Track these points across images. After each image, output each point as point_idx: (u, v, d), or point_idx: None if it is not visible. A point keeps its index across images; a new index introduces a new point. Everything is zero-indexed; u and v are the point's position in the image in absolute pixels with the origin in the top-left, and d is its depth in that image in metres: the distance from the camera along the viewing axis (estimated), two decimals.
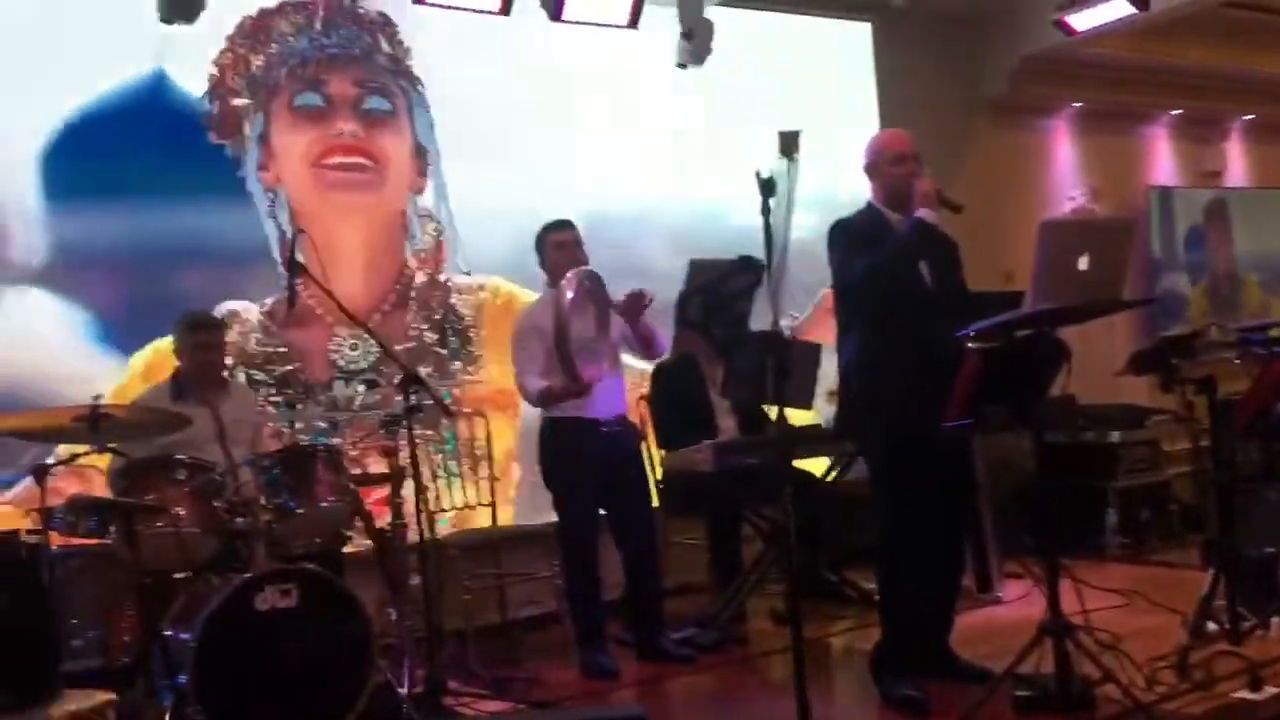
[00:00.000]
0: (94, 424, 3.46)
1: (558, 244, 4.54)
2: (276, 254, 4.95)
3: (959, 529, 4.16)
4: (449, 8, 5.11)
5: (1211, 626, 4.05)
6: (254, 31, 5.08)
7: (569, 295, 4.21)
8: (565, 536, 4.53)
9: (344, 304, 4.10)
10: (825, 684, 4.21)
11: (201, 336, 4.23)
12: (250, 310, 4.95)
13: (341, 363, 5.15)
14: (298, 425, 4.98)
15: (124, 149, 4.67)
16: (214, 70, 4.99)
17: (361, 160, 5.26)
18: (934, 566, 3.90)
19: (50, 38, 4.59)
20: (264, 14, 5.11)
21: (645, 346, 4.60)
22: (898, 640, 3.86)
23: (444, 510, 4.97)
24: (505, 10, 5.13)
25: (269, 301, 4.97)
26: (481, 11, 5.17)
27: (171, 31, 4.72)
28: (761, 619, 5.14)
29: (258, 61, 5.07)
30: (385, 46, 5.36)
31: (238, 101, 5.02)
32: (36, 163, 4.59)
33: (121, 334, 4.68)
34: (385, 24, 5.37)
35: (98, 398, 3.52)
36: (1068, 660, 3.48)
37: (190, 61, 4.90)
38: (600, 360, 4.45)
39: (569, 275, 4.29)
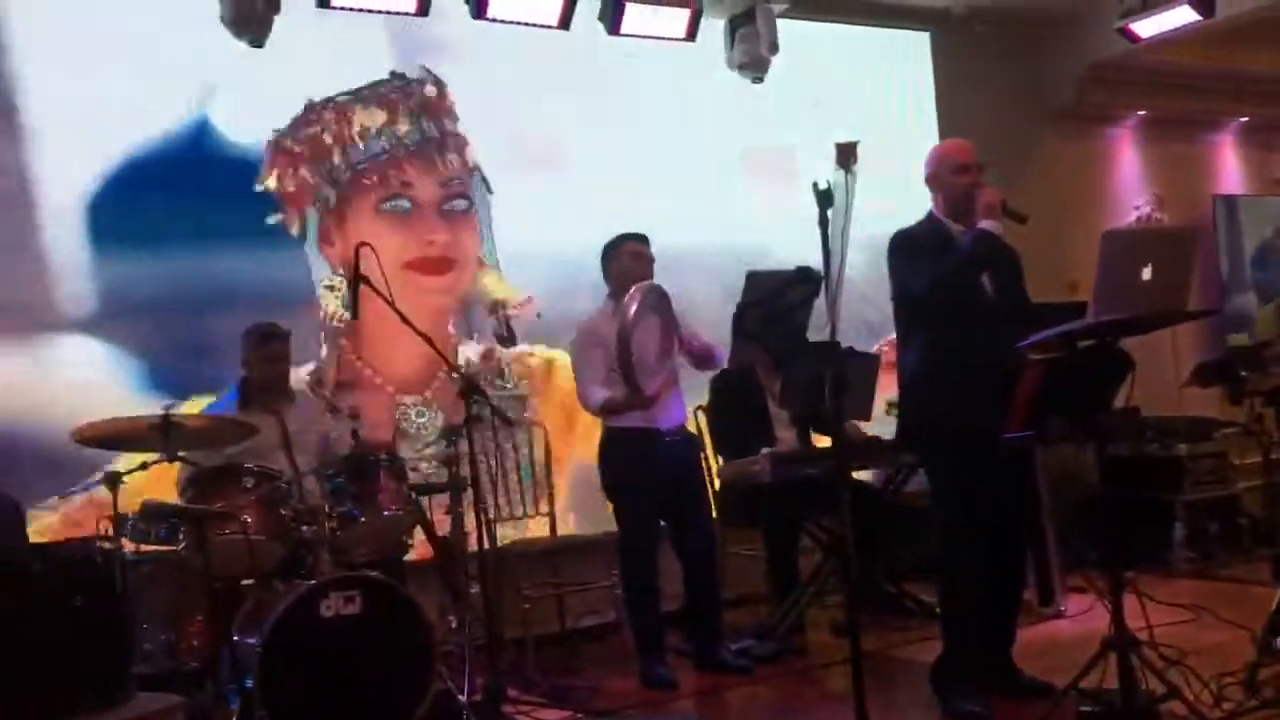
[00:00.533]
0: (165, 432, 3.55)
1: (634, 254, 4.58)
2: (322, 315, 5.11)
3: (1020, 542, 4.12)
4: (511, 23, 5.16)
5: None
6: (336, 121, 5.20)
7: (633, 308, 4.24)
8: (626, 546, 4.56)
9: (405, 371, 4.16)
10: (885, 697, 4.17)
11: (271, 347, 4.32)
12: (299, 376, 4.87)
13: (410, 429, 5.22)
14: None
15: (167, 196, 4.77)
16: (286, 144, 5.11)
17: (446, 258, 5.40)
18: (996, 580, 3.87)
19: (96, 88, 4.70)
20: (342, 105, 5.23)
21: (702, 361, 4.63)
22: (960, 654, 3.83)
23: (503, 519, 5.02)
24: (565, 24, 5.18)
25: (310, 368, 5.04)
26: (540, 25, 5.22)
27: (213, 80, 4.87)
28: (820, 630, 5.12)
29: (336, 151, 5.20)
30: (452, 146, 5.46)
31: (305, 176, 5.13)
32: (83, 211, 4.69)
33: (165, 380, 4.73)
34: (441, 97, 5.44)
35: (169, 407, 3.61)
36: (1132, 676, 3.43)
37: (231, 109, 4.97)
38: (662, 374, 4.48)
39: (635, 289, 4.32)
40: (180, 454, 3.70)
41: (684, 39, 5.44)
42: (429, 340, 4.13)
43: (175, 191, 4.79)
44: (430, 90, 5.39)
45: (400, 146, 5.33)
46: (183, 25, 4.84)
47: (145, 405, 4.32)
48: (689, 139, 5.92)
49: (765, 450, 4.81)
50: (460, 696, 3.83)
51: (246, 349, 4.34)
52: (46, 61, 4.65)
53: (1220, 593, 5.15)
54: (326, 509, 3.88)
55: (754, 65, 5.72)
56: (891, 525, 5.24)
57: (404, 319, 4.05)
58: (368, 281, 4.03)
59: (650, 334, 4.43)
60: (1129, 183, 7.71)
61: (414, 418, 5.24)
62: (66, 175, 4.67)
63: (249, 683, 3.43)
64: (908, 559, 5.35)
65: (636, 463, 4.48)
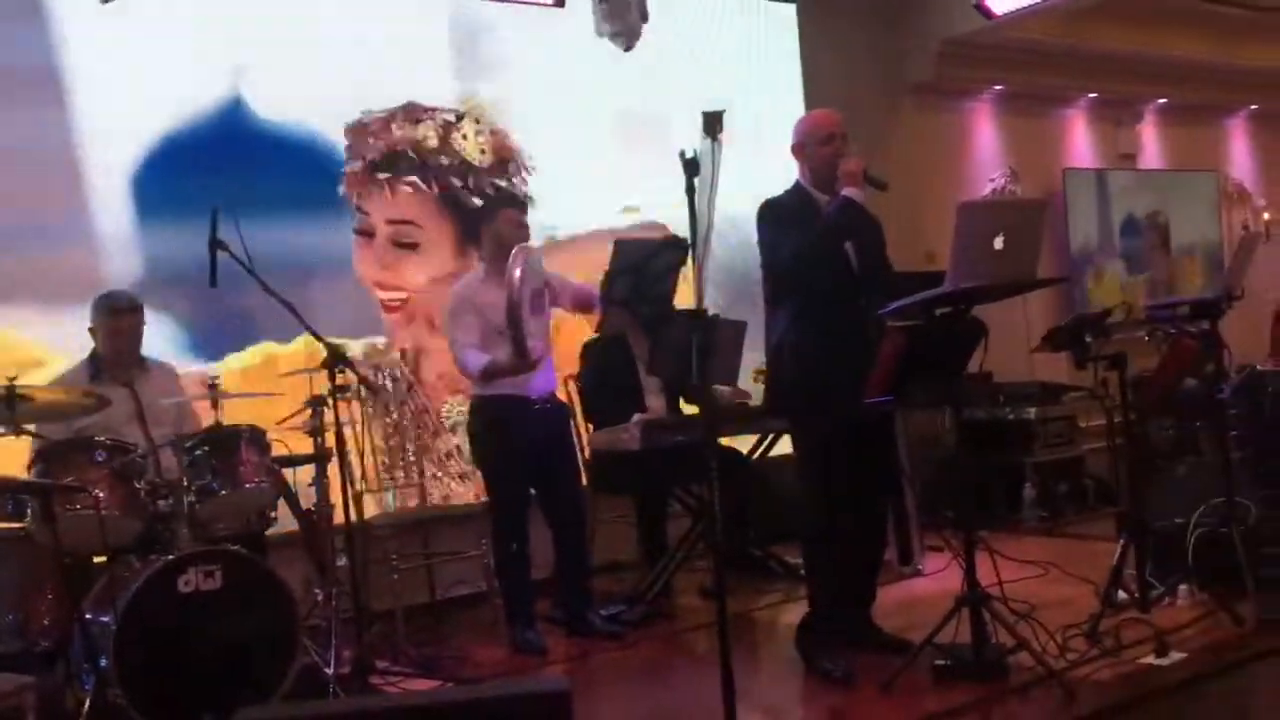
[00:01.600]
0: (10, 405, 3.39)
1: (513, 222, 4.59)
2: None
3: (882, 504, 4.24)
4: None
5: (1122, 596, 4.18)
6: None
7: (518, 271, 4.18)
8: (497, 514, 4.54)
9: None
10: (751, 657, 4.28)
11: (119, 320, 4.16)
12: None
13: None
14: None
15: (206, 169, 4.91)
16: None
17: None
18: (857, 540, 3.98)
19: (136, 71, 4.87)
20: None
21: (584, 304, 4.66)
22: (823, 615, 3.93)
23: (370, 490, 4.95)
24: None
25: None
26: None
27: (242, 63, 5.10)
28: (689, 595, 5.20)
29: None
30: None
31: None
32: (129, 184, 4.87)
33: (211, 346, 4.96)
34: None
35: (13, 379, 3.45)
36: (984, 630, 3.58)
37: (261, 88, 5.16)
38: (539, 338, 4.46)
39: (517, 250, 4.27)
40: (26, 427, 3.54)
41: (553, 4, 5.39)
42: (292, 309, 4.02)
43: (211, 166, 4.95)
44: None
45: None
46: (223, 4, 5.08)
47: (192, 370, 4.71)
48: (560, 105, 5.90)
49: (636, 417, 4.84)
50: (327, 670, 3.78)
51: (94, 320, 4.17)
52: (92, 33, 4.78)
53: (1067, 549, 5.40)
54: (185, 482, 3.77)
55: (625, 34, 5.69)
56: (758, 490, 5.34)
57: (266, 288, 3.94)
58: (225, 247, 3.91)
59: (530, 298, 4.41)
60: (985, 155, 7.96)
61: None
62: (113, 152, 4.83)
63: (103, 662, 3.32)
64: (774, 523, 5.46)
65: (503, 431, 4.46)
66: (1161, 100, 8.85)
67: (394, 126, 5.44)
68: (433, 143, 5.52)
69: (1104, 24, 7.68)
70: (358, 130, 5.37)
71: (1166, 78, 8.53)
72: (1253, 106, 9.52)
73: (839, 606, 3.96)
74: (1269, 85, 9.15)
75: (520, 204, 4.65)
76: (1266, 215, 9.50)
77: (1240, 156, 9.69)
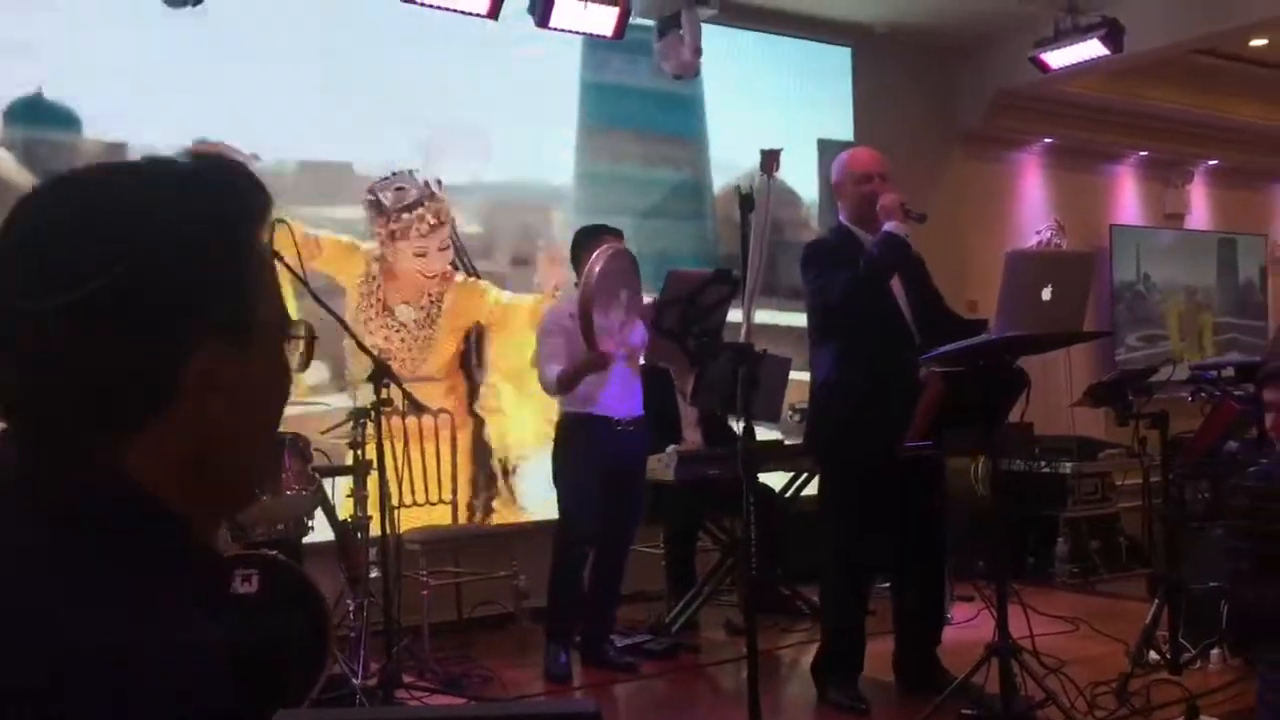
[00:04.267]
0: None
1: (614, 245, 4.43)
2: None
3: (938, 549, 4.19)
4: (438, 7, 5.13)
5: (1153, 656, 4.15)
6: None
7: (598, 267, 4.17)
8: (563, 531, 4.53)
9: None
10: (774, 694, 4.27)
11: None
12: None
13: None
14: None
15: None
16: None
17: None
18: (918, 584, 3.99)
19: None
20: None
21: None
22: (834, 650, 3.95)
23: (406, 505, 4.99)
24: (494, 14, 5.17)
25: None
26: (470, 14, 5.21)
27: None
28: (714, 629, 5.20)
29: None
30: None
31: None
32: None
33: None
34: None
35: None
36: (1012, 681, 3.56)
37: None
38: (622, 339, 4.41)
39: (602, 248, 4.24)
40: None
41: (611, 36, 5.46)
42: (342, 321, 4.09)
43: None
44: None
45: None
46: None
47: None
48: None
49: (671, 448, 4.86)
50: (355, 680, 3.81)
51: None
52: None
53: (1098, 607, 5.35)
54: None
55: (679, 68, 5.77)
56: (789, 528, 5.34)
57: (316, 298, 4.01)
58: (280, 258, 3.98)
59: (613, 300, 4.35)
60: (1032, 207, 7.96)
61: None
62: None
63: None
64: (803, 562, 5.45)
65: (584, 450, 4.44)
66: (1212, 161, 8.82)
67: None
68: None
69: (1156, 83, 7.68)
70: None
71: (1217, 139, 8.51)
72: None
73: (856, 643, 3.97)
74: None
75: (617, 232, 4.64)
76: None
77: None
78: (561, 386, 4.41)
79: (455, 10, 5.19)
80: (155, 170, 0.83)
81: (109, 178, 0.81)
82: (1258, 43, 7.33)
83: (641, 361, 4.81)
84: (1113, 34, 5.84)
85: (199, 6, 4.62)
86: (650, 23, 5.69)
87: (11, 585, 0.74)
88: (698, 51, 5.72)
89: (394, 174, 5.43)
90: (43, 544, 0.75)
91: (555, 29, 5.36)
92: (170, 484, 0.79)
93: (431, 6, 5.14)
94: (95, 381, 0.76)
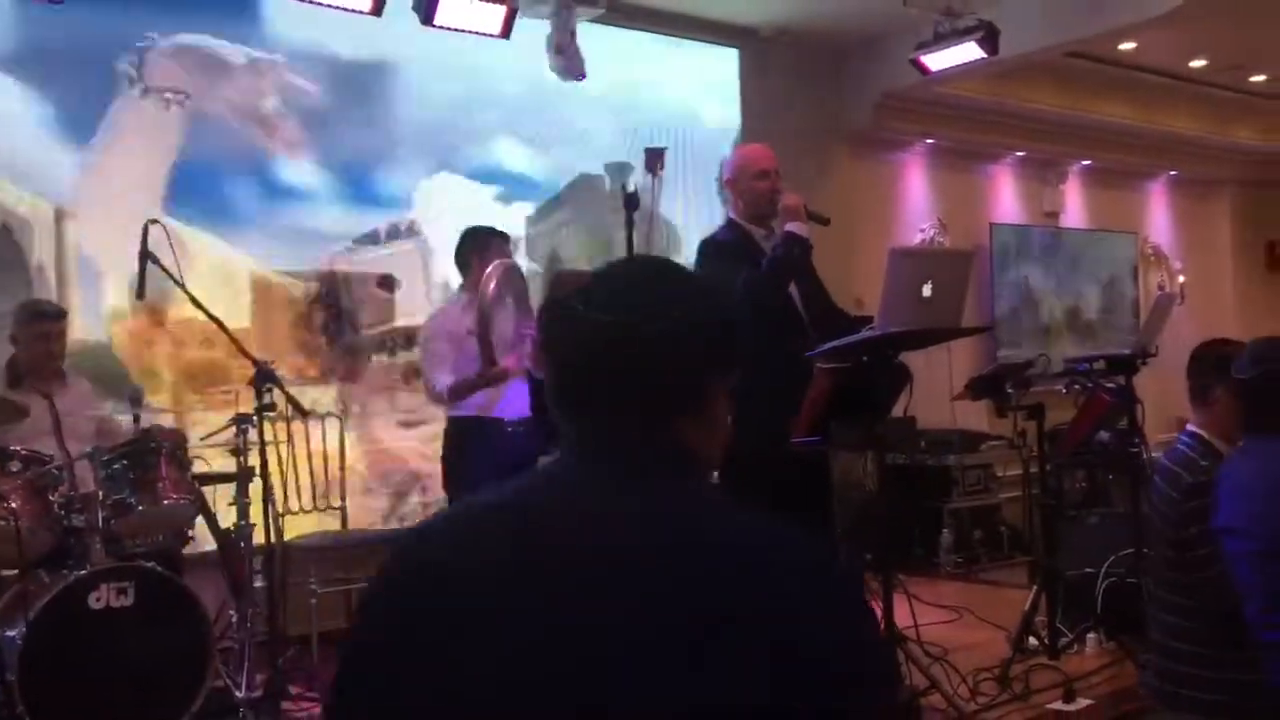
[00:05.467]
0: None
1: (504, 251, 4.48)
2: None
3: (825, 541, 4.25)
4: (321, 4, 5.04)
5: (1032, 642, 4.27)
6: None
7: (493, 284, 4.14)
8: None
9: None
10: None
11: (41, 326, 4.08)
12: None
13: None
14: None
15: None
16: None
17: None
18: None
19: None
20: None
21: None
22: None
23: (292, 512, 4.88)
24: (377, 11, 5.09)
25: None
26: (351, 10, 5.12)
27: None
28: None
29: None
30: None
31: None
32: None
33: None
34: None
35: None
36: (898, 671, 3.63)
37: None
38: (516, 352, 4.40)
39: (494, 264, 4.19)
40: None
41: (498, 35, 5.42)
42: (221, 325, 3.99)
43: None
44: None
45: None
46: None
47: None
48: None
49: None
50: (238, 693, 3.72)
51: (15, 326, 4.09)
52: None
53: (981, 595, 5.49)
54: (101, 496, 3.70)
55: (563, 68, 5.74)
56: None
57: (195, 302, 3.91)
58: (156, 260, 3.87)
59: (505, 313, 4.32)
60: (915, 206, 8.14)
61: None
62: None
63: (8, 677, 3.23)
64: None
65: (475, 453, 4.39)
66: (1085, 162, 9.13)
67: None
68: None
69: (1033, 85, 7.92)
70: None
71: (1090, 140, 8.81)
72: (1172, 172, 9.86)
73: None
74: (1188, 152, 9.49)
75: (504, 236, 4.61)
76: (1181, 278, 9.82)
77: (1159, 220, 10.02)
78: (453, 397, 4.38)
79: (340, 8, 5.11)
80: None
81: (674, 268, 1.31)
82: (1126, 46, 7.61)
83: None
84: (988, 37, 6.00)
85: None
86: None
87: (708, 523, 1.11)
88: (576, 51, 5.71)
89: None
90: (692, 491, 1.17)
91: (440, 27, 5.30)
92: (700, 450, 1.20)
93: (317, 4, 5.05)
94: (683, 378, 1.18)
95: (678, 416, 1.18)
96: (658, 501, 1.12)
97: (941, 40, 6.15)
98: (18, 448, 3.67)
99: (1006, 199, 8.79)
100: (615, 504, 1.11)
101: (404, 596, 1.13)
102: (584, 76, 5.62)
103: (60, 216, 4.82)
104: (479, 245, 4.47)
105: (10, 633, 3.34)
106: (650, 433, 1.16)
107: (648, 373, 1.16)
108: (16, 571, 3.58)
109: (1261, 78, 8.66)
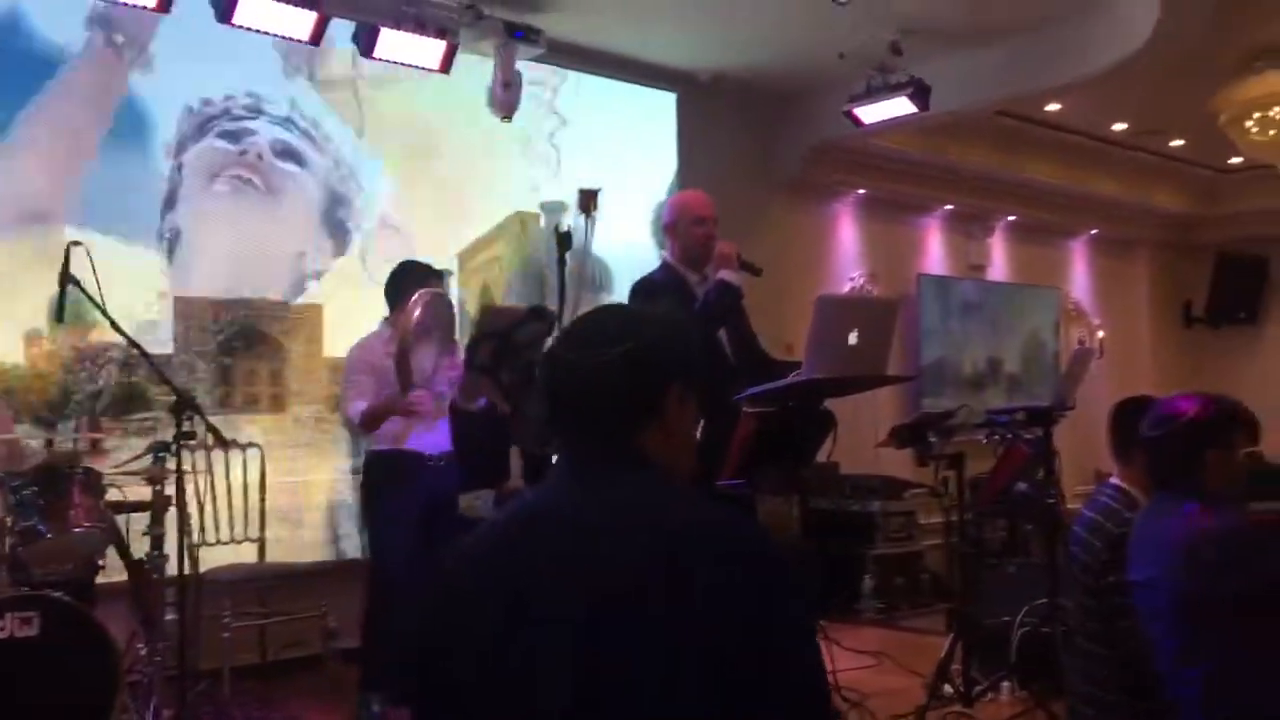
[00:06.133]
0: None
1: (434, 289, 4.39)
2: None
3: None
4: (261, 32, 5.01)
5: (948, 689, 4.31)
6: None
7: (417, 311, 4.12)
8: (381, 574, 4.42)
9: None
10: None
11: None
12: None
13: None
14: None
15: None
16: None
17: None
18: None
19: None
20: None
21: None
22: None
23: (208, 544, 4.78)
24: (316, 40, 5.07)
25: None
26: (291, 39, 5.10)
27: None
28: None
29: None
30: None
31: None
32: None
33: None
34: None
35: None
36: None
37: None
38: (434, 387, 4.37)
39: (421, 293, 4.16)
40: None
41: (438, 70, 5.43)
42: (141, 350, 3.92)
43: None
44: None
45: None
46: None
47: None
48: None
49: (487, 489, 4.80)
50: None
51: None
52: None
53: (901, 641, 5.55)
54: (8, 522, 3.59)
55: (498, 106, 5.76)
56: None
57: (117, 328, 3.84)
58: (77, 283, 3.80)
59: (428, 345, 4.30)
60: (846, 254, 8.26)
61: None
62: None
63: None
64: None
65: (395, 488, 4.37)
66: (1011, 217, 9.35)
67: None
68: None
69: (963, 142, 8.12)
70: None
71: (1017, 196, 9.03)
72: (1093, 231, 10.13)
73: None
74: (1108, 212, 9.77)
75: (439, 274, 4.60)
76: (1101, 334, 10.07)
77: (1080, 276, 10.28)
78: (365, 425, 4.35)
79: (279, 35, 5.09)
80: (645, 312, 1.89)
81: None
82: (1052, 107, 7.83)
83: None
84: (919, 93, 6.14)
85: None
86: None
87: (682, 511, 1.43)
88: (512, 88, 5.74)
89: None
90: (645, 485, 1.45)
91: (380, 59, 5.30)
92: (662, 456, 1.48)
93: (257, 31, 5.01)
94: (627, 399, 1.46)
95: (638, 430, 1.46)
96: (617, 495, 1.44)
97: (874, 94, 6.28)
98: None
99: (934, 250, 8.96)
100: (588, 499, 1.45)
101: (460, 590, 1.48)
102: (512, 113, 5.67)
103: None
104: (409, 281, 4.45)
105: None
106: (611, 445, 1.46)
107: (602, 396, 1.46)
108: None
109: (1180, 142, 8.97)
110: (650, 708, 1.31)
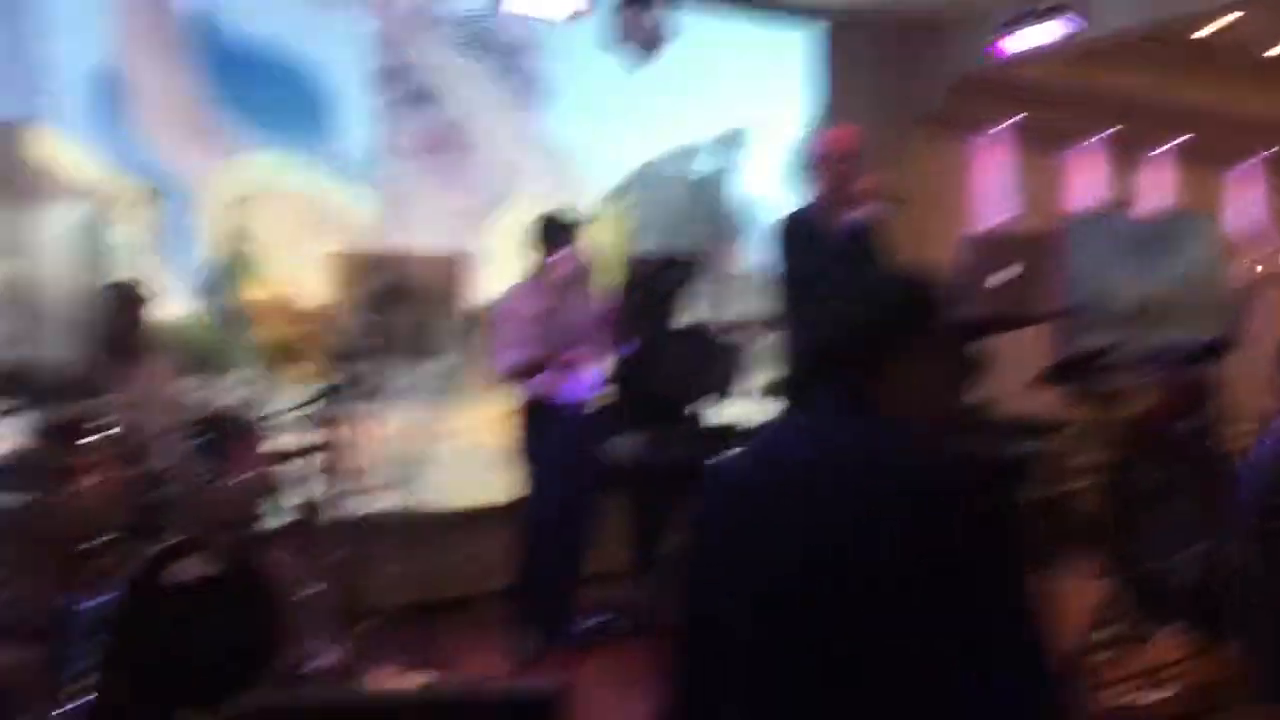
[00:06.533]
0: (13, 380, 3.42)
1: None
2: None
3: None
4: None
5: (1109, 633, 4.19)
6: None
7: (564, 265, 4.24)
8: (538, 516, 4.58)
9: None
10: None
11: (134, 307, 4.19)
12: None
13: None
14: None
15: None
16: None
17: None
18: None
19: None
20: None
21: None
22: None
23: (368, 489, 4.95)
24: None
25: None
26: None
27: None
28: None
29: None
30: None
31: None
32: None
33: None
34: None
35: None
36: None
37: None
38: (581, 342, 4.49)
39: (564, 252, 4.30)
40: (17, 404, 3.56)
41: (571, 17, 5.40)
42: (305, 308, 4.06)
43: None
44: None
45: None
46: None
47: None
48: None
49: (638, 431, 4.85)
50: (315, 663, 3.78)
51: (103, 305, 4.19)
52: None
53: (1052, 585, 5.38)
54: (181, 470, 3.78)
55: (641, 45, 5.70)
56: None
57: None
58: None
59: (572, 301, 4.43)
60: (992, 190, 7.99)
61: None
62: None
63: (87, 649, 3.32)
64: None
65: (549, 433, 4.51)
66: (1169, 145, 8.89)
67: None
68: None
69: (1114, 68, 7.71)
70: None
71: (1175, 123, 8.58)
72: (1264, 153, 9.56)
73: None
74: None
75: (578, 224, 4.70)
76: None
77: (1247, 204, 9.71)
78: (516, 375, 4.47)
79: None
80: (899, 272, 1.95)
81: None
82: (1210, 29, 7.38)
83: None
84: (1075, 13, 5.87)
85: None
86: None
87: (903, 455, 1.57)
88: (661, 29, 5.67)
89: None
90: (889, 430, 1.60)
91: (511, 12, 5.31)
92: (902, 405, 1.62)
93: None
94: (847, 357, 1.63)
95: (866, 379, 1.61)
96: (840, 435, 1.61)
97: (1022, 20, 6.03)
98: (101, 421, 3.76)
99: (1086, 183, 8.60)
100: (822, 436, 1.63)
101: (721, 506, 1.68)
102: (655, 54, 5.62)
103: None
104: (554, 234, 4.57)
105: (90, 605, 3.43)
106: (841, 390, 1.62)
107: (830, 351, 1.65)
108: (102, 542, 3.68)
109: None
110: (888, 618, 1.46)
